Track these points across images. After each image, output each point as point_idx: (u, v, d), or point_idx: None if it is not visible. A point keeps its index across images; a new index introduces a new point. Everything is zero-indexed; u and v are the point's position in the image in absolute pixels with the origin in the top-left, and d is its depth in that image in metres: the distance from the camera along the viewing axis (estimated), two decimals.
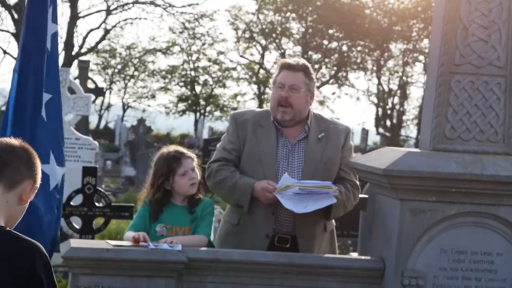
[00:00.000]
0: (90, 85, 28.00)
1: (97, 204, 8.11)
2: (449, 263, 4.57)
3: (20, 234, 2.66)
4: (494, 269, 4.60)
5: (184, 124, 40.12)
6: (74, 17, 30.78)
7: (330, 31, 35.85)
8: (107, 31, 34.88)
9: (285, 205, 4.71)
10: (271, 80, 5.06)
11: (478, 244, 4.59)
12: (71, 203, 7.99)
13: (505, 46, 4.64)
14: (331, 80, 37.24)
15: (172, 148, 4.93)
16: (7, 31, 31.44)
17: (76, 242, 4.68)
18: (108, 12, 33.35)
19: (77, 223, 8.11)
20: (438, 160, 4.51)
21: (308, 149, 4.92)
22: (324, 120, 5.05)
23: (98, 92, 26.25)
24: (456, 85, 4.62)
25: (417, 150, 4.78)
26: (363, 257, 4.96)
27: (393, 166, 4.45)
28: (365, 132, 30.86)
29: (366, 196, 7.39)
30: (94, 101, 30.69)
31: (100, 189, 8.39)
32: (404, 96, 37.82)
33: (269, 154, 4.90)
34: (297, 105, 4.88)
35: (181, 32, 37.58)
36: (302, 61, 4.99)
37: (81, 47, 33.03)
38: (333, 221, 5.10)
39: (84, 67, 22.86)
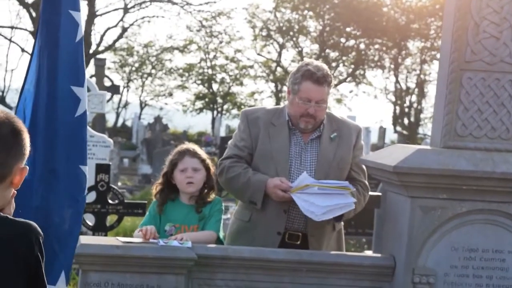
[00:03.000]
0: (107, 83, 28.08)
1: (110, 201, 8.13)
2: (460, 261, 4.54)
3: (14, 218, 2.65)
4: (506, 267, 4.57)
5: (201, 122, 40.17)
6: (92, 15, 30.88)
7: (348, 29, 35.79)
8: (124, 29, 35.01)
9: (304, 212, 4.71)
10: (288, 83, 4.98)
11: (489, 242, 4.55)
12: None
13: None
14: (349, 78, 37.20)
15: (186, 145, 4.99)
16: (25, 29, 31.63)
17: (86, 239, 4.68)
18: (126, 10, 33.47)
19: (90, 220, 8.12)
20: (449, 157, 4.47)
21: (321, 149, 4.91)
22: (336, 119, 5.04)
23: (114, 90, 26.31)
24: (467, 82, 4.58)
25: (427, 147, 4.75)
26: (373, 255, 4.94)
27: (403, 163, 4.43)
28: (382, 130, 30.75)
29: (380, 194, 7.36)
30: (110, 99, 30.76)
31: (113, 186, 8.40)
32: (421, 94, 37.67)
33: (282, 152, 4.89)
34: (320, 116, 4.90)
35: (198, 30, 37.69)
36: (324, 68, 4.89)
37: (98, 45, 33.17)
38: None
39: (100, 65, 22.89)
